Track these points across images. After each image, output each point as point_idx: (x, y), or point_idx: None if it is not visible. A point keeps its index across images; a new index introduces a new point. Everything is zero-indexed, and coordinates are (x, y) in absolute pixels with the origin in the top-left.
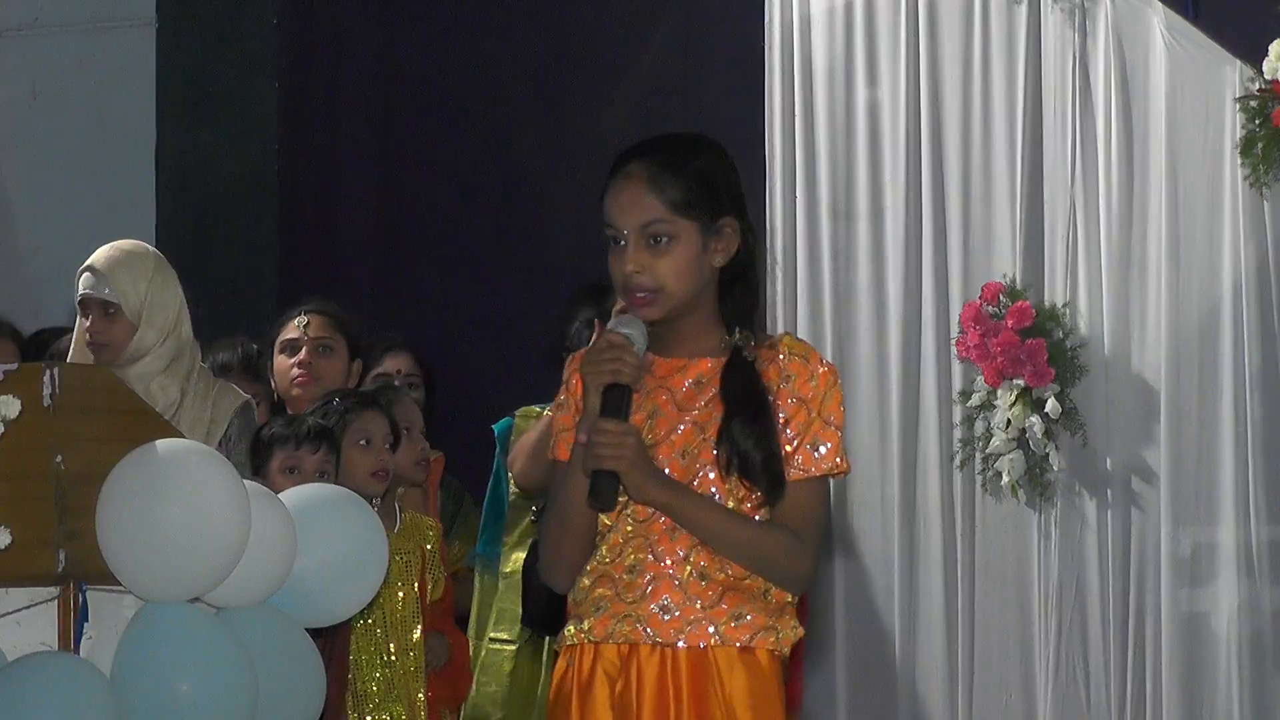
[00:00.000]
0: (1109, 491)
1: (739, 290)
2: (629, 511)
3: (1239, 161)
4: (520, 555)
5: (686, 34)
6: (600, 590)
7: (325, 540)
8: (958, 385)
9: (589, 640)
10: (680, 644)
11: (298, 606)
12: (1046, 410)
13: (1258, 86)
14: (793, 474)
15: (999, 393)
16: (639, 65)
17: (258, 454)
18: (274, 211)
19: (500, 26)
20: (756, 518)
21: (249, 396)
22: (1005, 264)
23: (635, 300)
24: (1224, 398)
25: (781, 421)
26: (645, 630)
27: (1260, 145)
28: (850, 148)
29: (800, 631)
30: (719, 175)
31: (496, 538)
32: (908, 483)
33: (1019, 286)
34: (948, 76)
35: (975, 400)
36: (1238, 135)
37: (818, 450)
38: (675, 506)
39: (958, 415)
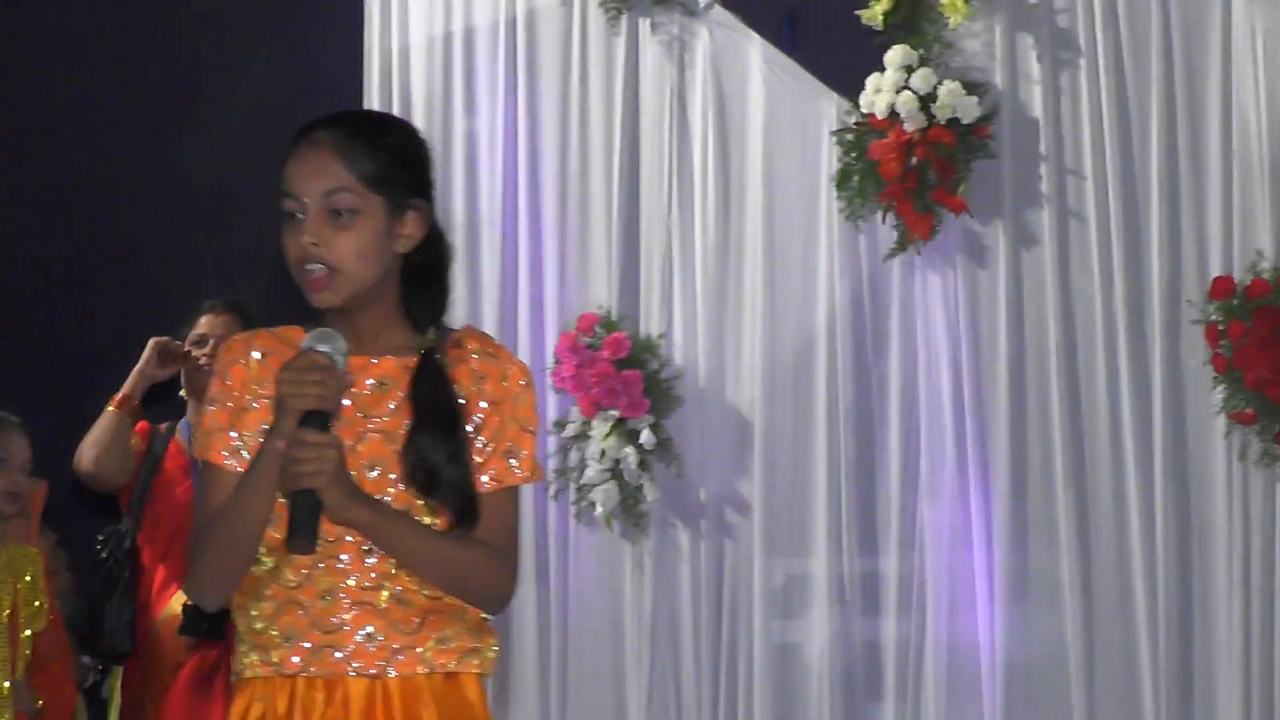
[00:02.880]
0: (702, 523)
1: (430, 284)
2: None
3: (834, 194)
4: None
5: (285, 62)
6: (288, 618)
7: None
8: (553, 415)
9: (279, 674)
10: (391, 673)
11: None
12: (641, 441)
13: (854, 120)
14: (487, 485)
15: (594, 423)
16: (236, 96)
17: None
18: None
19: (101, 56)
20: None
21: None
22: (601, 295)
23: (309, 281)
24: (818, 430)
25: (474, 428)
26: (351, 663)
27: (856, 178)
28: (448, 178)
29: (498, 650)
30: (414, 154)
31: None
32: None
33: (614, 317)
34: (546, 107)
35: (570, 430)
36: (834, 168)
37: (511, 457)
38: (377, 527)
39: (552, 445)
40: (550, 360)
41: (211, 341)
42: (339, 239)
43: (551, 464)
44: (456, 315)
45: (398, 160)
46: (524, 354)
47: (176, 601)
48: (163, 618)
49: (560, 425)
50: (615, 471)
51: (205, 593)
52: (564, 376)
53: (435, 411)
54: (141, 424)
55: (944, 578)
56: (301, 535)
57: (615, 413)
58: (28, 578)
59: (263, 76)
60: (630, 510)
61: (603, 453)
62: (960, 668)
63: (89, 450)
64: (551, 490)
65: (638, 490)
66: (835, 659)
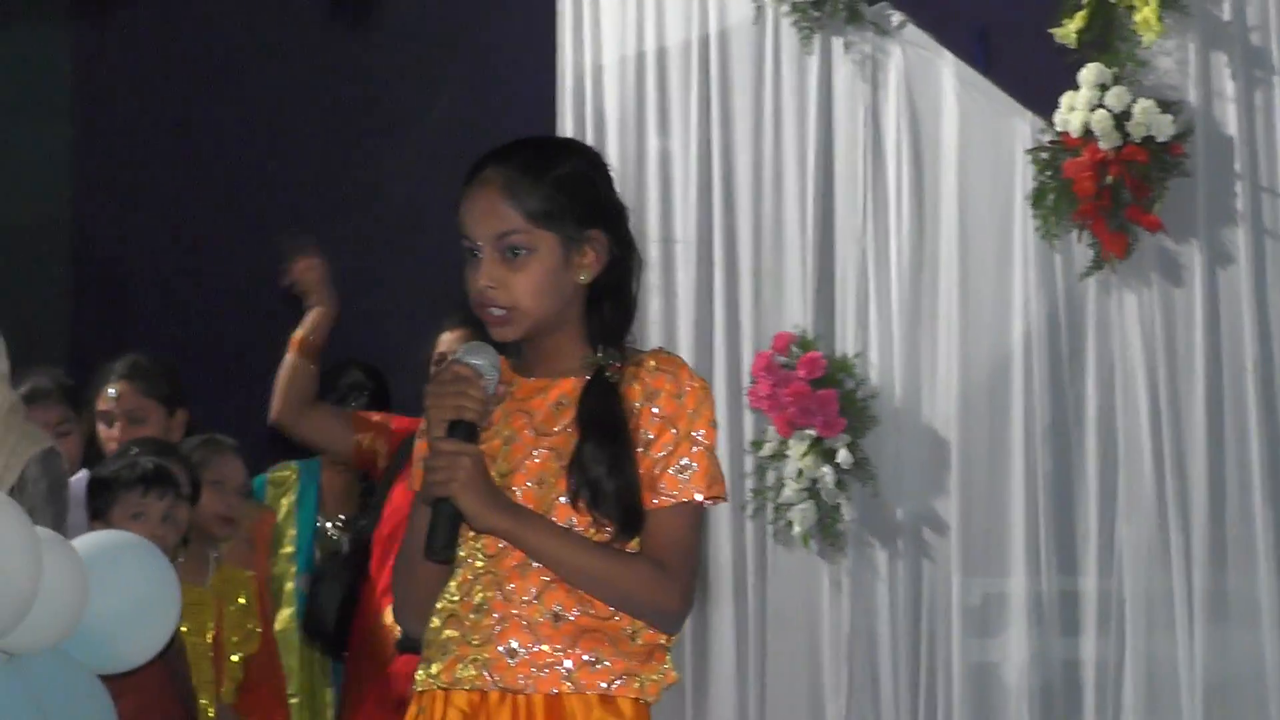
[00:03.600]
0: (900, 542)
1: (609, 306)
2: (479, 545)
3: (1030, 213)
4: (289, 611)
5: (478, 83)
6: (449, 631)
7: (117, 586)
8: (749, 435)
9: (437, 686)
10: (530, 690)
11: (89, 653)
12: (838, 460)
13: (1048, 138)
14: (659, 500)
15: (790, 443)
16: (429, 115)
17: (98, 496)
18: (67, 259)
19: (291, 77)
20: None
21: (52, 444)
22: (796, 314)
23: (489, 319)
24: (1014, 449)
25: (646, 443)
26: (491, 676)
27: (1051, 197)
28: (641, 197)
29: (674, 676)
30: (585, 183)
31: None
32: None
33: (810, 337)
34: (739, 126)
35: (767, 450)
36: (1028, 187)
37: (683, 473)
38: (518, 534)
39: (749, 465)
40: (746, 380)
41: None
42: (514, 279)
43: (748, 483)
44: (652, 335)
45: (568, 193)
46: (720, 373)
47: (389, 612)
48: (380, 623)
49: (757, 445)
50: (812, 491)
51: (401, 614)
52: (760, 396)
53: (598, 424)
54: (408, 420)
55: (1142, 596)
56: (436, 543)
57: (812, 432)
58: (240, 600)
59: (456, 96)
60: (827, 529)
61: (800, 472)
62: (1159, 687)
63: (274, 399)
64: (749, 510)
65: (835, 509)
66: (1034, 678)
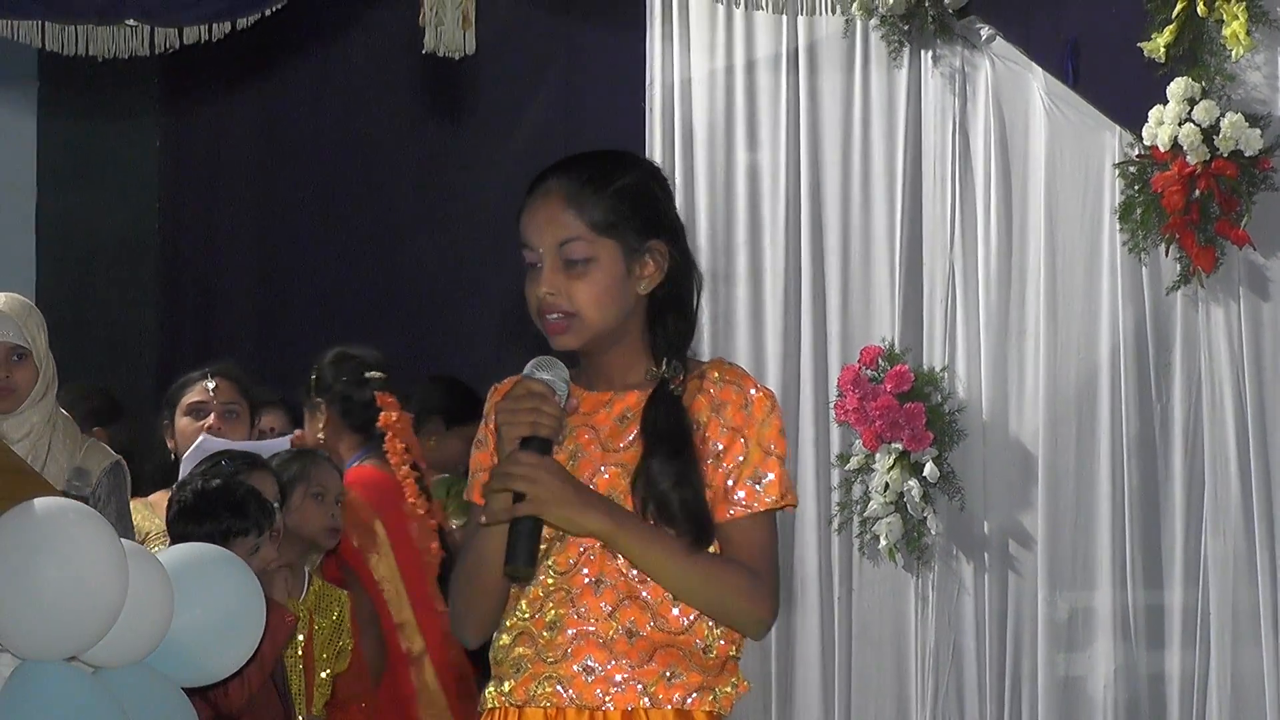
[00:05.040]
0: (986, 555)
1: (671, 318)
2: (550, 563)
3: (1117, 227)
4: None
5: (568, 96)
6: (520, 649)
7: (202, 600)
8: (836, 448)
9: (510, 704)
10: (608, 706)
11: (174, 666)
12: (924, 474)
13: (1137, 152)
14: (736, 510)
15: (877, 456)
16: (519, 127)
17: (208, 521)
18: (154, 270)
19: (379, 87)
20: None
21: (118, 457)
22: (884, 327)
23: (549, 327)
24: (1101, 462)
25: (716, 455)
26: (568, 693)
27: (1139, 211)
28: (730, 210)
29: (746, 687)
30: (646, 194)
31: None
32: (785, 545)
33: (898, 350)
34: (827, 139)
35: (853, 464)
36: (1116, 201)
37: (760, 483)
38: (616, 534)
39: (836, 479)
40: (833, 393)
41: None
42: (575, 287)
43: (835, 497)
44: (739, 348)
45: (629, 204)
46: (807, 386)
47: None
48: None
49: (843, 458)
50: (898, 504)
51: (461, 628)
52: (847, 409)
53: (663, 437)
54: None
55: (1228, 610)
56: (517, 560)
57: (898, 446)
58: (334, 617)
59: (545, 108)
60: (913, 543)
61: (886, 485)
62: (1245, 701)
63: None
64: (835, 523)
65: (921, 523)
66: (1119, 692)
